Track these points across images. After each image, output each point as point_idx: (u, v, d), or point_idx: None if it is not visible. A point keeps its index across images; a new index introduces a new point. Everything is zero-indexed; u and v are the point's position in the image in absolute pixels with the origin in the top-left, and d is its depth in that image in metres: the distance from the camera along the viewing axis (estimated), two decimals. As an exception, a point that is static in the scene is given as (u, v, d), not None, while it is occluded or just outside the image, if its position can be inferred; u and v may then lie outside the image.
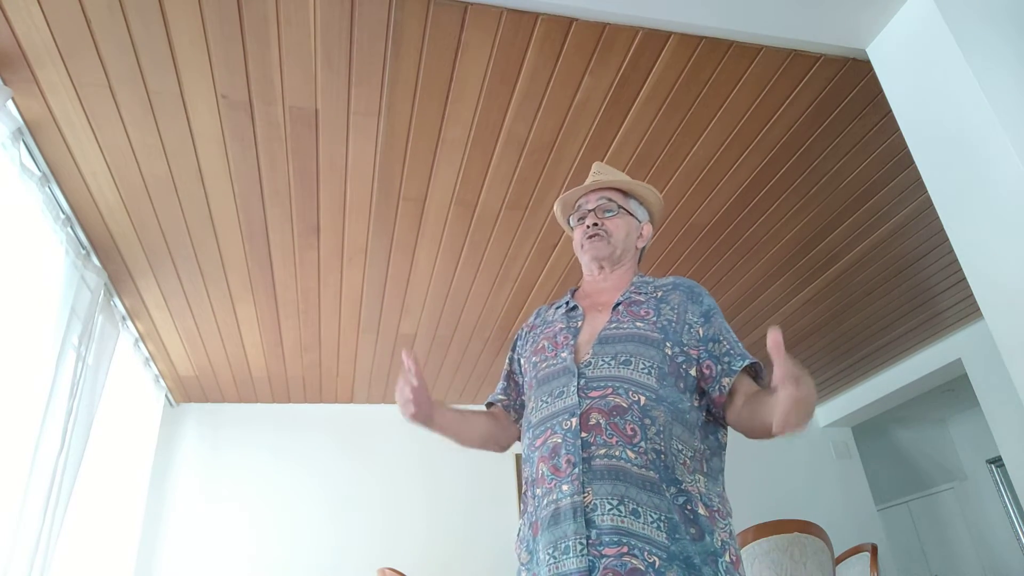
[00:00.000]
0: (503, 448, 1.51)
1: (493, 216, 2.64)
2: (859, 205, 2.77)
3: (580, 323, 1.37)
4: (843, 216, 2.83)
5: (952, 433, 6.07)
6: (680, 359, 1.27)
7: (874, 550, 2.64)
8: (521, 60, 1.96)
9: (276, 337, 3.42)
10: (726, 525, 1.18)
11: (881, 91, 2.05)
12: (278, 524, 3.93)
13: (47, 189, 2.25)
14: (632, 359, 1.25)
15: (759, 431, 1.18)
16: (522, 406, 1.48)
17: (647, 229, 1.52)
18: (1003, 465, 5.36)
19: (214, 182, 2.34)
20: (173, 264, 2.77)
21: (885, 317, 3.77)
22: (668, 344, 1.27)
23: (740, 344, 1.31)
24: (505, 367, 1.56)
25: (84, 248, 2.57)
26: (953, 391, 5.02)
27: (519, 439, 1.47)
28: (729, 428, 1.31)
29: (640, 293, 1.38)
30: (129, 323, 3.15)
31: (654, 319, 1.30)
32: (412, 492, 4.15)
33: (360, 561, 3.84)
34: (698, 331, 1.30)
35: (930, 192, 1.88)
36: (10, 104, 1.94)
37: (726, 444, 1.30)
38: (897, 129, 2.22)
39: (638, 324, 1.30)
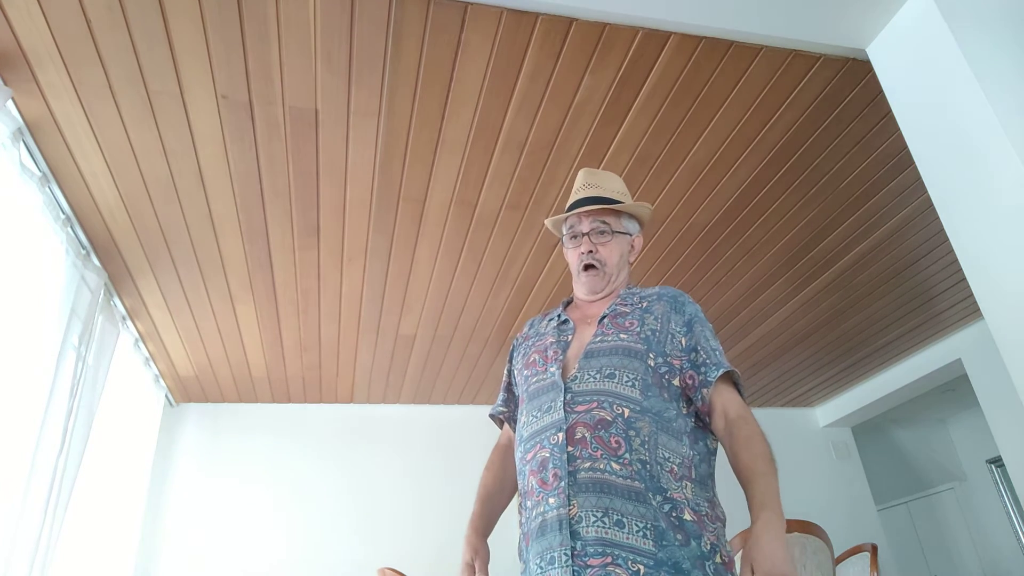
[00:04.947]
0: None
1: (493, 216, 2.64)
2: (859, 205, 2.77)
3: (570, 337, 1.42)
4: (843, 216, 2.83)
5: (952, 433, 6.07)
6: (663, 369, 1.30)
7: (874, 550, 2.64)
8: (521, 60, 1.96)
9: (276, 337, 3.42)
10: (715, 528, 1.21)
11: (881, 91, 2.05)
12: (277, 524, 3.93)
13: (47, 189, 2.25)
14: (616, 372, 1.28)
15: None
16: None
17: (638, 242, 1.56)
18: (1003, 465, 5.36)
19: (214, 182, 2.34)
20: (173, 264, 2.77)
21: (885, 317, 3.77)
22: (651, 355, 1.31)
23: (718, 352, 1.34)
24: (504, 378, 1.59)
25: (84, 248, 2.57)
26: (953, 391, 5.02)
27: None
28: None
29: (626, 304, 1.42)
30: (129, 323, 3.15)
31: (638, 329, 1.34)
32: (412, 491, 4.15)
33: (360, 560, 3.84)
34: (681, 341, 1.34)
35: (930, 192, 1.88)
36: (10, 104, 1.94)
37: (716, 449, 1.33)
38: (897, 129, 2.22)
39: (622, 336, 1.34)
